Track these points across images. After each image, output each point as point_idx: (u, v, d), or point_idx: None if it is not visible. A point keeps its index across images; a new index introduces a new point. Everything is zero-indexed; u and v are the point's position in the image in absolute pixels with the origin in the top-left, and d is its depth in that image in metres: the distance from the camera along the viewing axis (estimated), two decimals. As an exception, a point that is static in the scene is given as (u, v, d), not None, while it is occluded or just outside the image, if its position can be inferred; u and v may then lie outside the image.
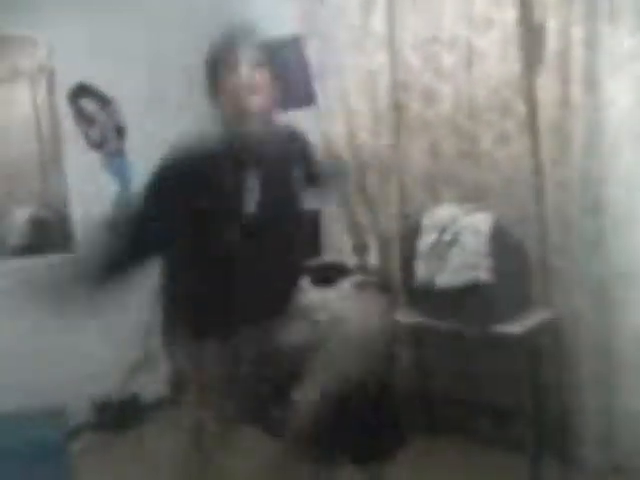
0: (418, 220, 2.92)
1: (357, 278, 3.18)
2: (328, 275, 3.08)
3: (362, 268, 3.31)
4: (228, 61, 2.00)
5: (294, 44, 3.51)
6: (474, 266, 2.70)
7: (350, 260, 3.36)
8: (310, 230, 3.27)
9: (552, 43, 2.74)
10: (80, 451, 3.19)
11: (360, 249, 3.38)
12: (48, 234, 3.58)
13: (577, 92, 2.70)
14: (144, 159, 3.68)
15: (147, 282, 3.78)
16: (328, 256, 3.46)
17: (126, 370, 3.71)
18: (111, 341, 3.65)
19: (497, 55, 2.91)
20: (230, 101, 2.01)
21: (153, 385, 3.82)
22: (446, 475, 2.95)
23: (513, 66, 2.86)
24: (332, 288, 2.99)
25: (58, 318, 3.00)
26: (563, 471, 2.85)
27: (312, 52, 3.45)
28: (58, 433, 2.84)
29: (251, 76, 1.97)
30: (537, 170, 2.89)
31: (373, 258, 3.38)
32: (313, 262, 3.21)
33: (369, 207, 3.40)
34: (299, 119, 3.37)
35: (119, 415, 3.60)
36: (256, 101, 1.97)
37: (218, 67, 2.05)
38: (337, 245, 3.47)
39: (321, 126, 3.45)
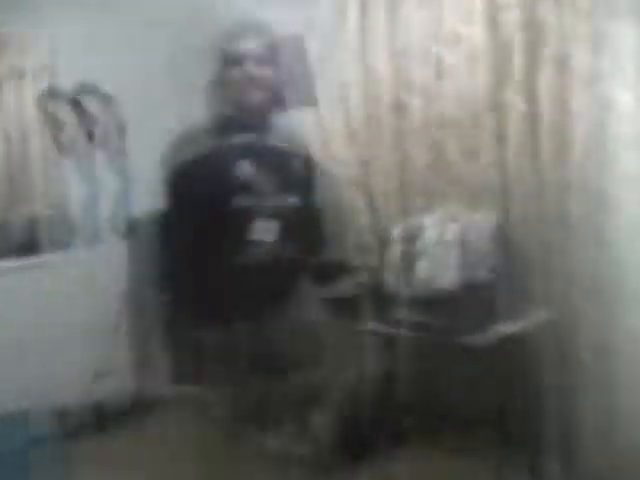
0: (388, 230, 2.95)
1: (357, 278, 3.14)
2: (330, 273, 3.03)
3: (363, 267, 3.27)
4: (234, 55, 2.10)
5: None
6: (474, 265, 2.74)
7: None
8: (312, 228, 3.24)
9: (519, 60, 2.80)
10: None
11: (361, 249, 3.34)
12: (49, 233, 3.56)
13: (577, 92, 2.71)
14: (144, 158, 3.75)
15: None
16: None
17: (90, 376, 3.66)
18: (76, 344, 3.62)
19: (466, 70, 2.97)
20: (232, 93, 2.10)
21: (117, 392, 3.78)
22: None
23: (482, 81, 2.92)
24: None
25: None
26: (562, 471, 2.85)
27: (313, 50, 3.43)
28: (19, 438, 2.79)
29: (254, 71, 2.06)
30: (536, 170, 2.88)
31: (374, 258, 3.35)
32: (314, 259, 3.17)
33: (370, 206, 3.36)
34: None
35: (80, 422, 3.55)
36: (256, 95, 2.04)
37: (224, 59, 2.13)
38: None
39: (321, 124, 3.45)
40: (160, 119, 3.73)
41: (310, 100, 3.33)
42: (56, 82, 3.46)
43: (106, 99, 3.65)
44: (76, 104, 3.64)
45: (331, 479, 2.88)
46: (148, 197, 3.67)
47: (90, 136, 3.72)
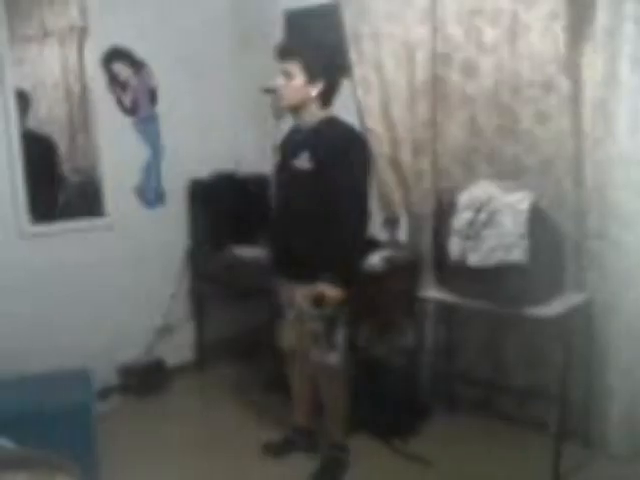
0: (454, 197, 2.88)
1: (387, 252, 3.15)
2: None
3: (392, 243, 3.28)
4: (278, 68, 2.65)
5: (331, 12, 3.43)
6: (509, 246, 2.66)
7: (380, 234, 3.32)
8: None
9: (601, 19, 2.65)
10: (106, 413, 3.23)
11: (391, 224, 3.34)
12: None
13: (624, 70, 2.63)
14: (174, 124, 3.74)
15: (174, 252, 3.88)
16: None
17: (151, 336, 3.75)
18: (136, 308, 3.69)
19: (542, 30, 2.82)
20: (274, 98, 2.78)
21: (177, 351, 3.86)
22: (468, 450, 2.96)
23: (559, 41, 2.78)
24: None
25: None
26: (585, 453, 2.85)
27: (348, 20, 3.37)
28: (84, 394, 2.87)
29: (283, 84, 2.65)
30: (577, 150, 2.82)
31: (403, 233, 3.34)
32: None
33: (402, 182, 3.35)
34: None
35: (144, 379, 3.63)
36: (286, 102, 2.68)
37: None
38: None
39: (356, 96, 3.39)
40: (190, 84, 3.80)
41: (344, 71, 3.27)
42: (91, 44, 3.41)
43: (138, 64, 3.60)
44: (139, 66, 3.62)
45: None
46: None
47: (152, 97, 3.71)
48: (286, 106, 2.70)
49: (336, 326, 2.69)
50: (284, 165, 2.77)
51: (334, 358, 2.71)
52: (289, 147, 2.78)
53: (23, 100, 3.27)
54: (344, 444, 2.88)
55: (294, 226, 2.70)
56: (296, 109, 2.69)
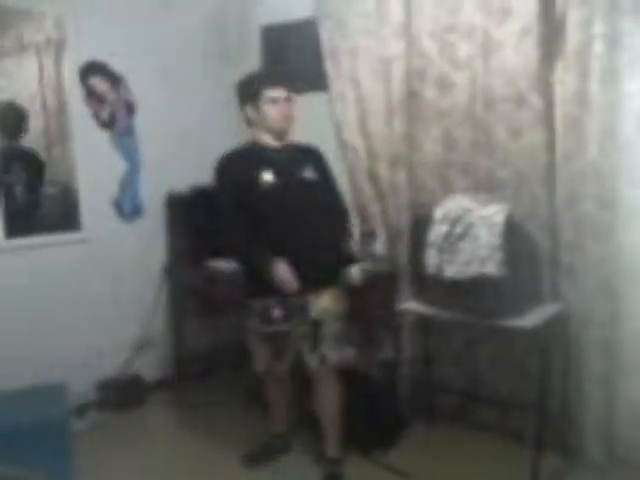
0: (430, 210, 2.91)
1: (365, 265, 3.17)
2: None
3: (370, 256, 3.30)
4: (271, 95, 2.73)
5: (308, 27, 3.47)
6: (485, 259, 2.70)
7: (358, 248, 3.34)
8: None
9: (571, 37, 2.72)
10: (83, 429, 3.19)
11: (368, 237, 3.37)
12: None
13: (594, 87, 2.69)
14: (151, 137, 3.73)
15: (152, 266, 3.85)
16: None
17: (128, 351, 3.72)
18: (114, 322, 3.66)
19: (514, 46, 2.89)
20: (266, 122, 2.77)
21: (155, 366, 3.83)
22: (447, 462, 2.98)
23: (530, 58, 2.84)
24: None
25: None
26: (563, 463, 2.88)
27: (325, 35, 3.41)
28: (60, 410, 2.83)
29: (287, 108, 2.76)
30: (550, 164, 2.88)
31: (381, 247, 3.37)
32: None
33: (379, 195, 3.38)
34: (312, 103, 3.40)
35: (121, 395, 3.60)
36: (287, 125, 2.79)
37: (260, 96, 2.74)
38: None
39: (334, 111, 3.43)
40: (168, 97, 3.80)
41: (319, 84, 3.32)
42: (68, 57, 3.41)
43: (115, 78, 3.60)
44: (117, 80, 3.62)
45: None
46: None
47: (129, 111, 3.70)
48: (283, 131, 2.80)
49: (348, 323, 2.83)
50: (255, 181, 2.75)
51: (351, 353, 2.86)
52: (260, 164, 2.77)
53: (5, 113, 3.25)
54: (340, 458, 2.91)
55: (311, 235, 2.76)
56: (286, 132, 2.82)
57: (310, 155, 2.87)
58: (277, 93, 2.73)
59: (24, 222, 3.37)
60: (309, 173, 2.81)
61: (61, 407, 2.85)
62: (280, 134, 2.79)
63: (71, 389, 2.99)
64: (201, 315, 3.88)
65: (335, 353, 2.78)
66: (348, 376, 2.86)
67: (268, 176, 2.73)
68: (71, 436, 2.77)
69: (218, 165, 2.84)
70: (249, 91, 2.78)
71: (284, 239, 2.72)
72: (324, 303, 2.75)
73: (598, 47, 2.66)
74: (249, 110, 2.78)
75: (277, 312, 2.75)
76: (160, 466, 3.07)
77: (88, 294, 3.55)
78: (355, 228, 3.22)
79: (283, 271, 2.65)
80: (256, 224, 2.73)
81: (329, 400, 2.85)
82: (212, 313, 3.80)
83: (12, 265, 3.25)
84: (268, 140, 2.80)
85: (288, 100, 2.76)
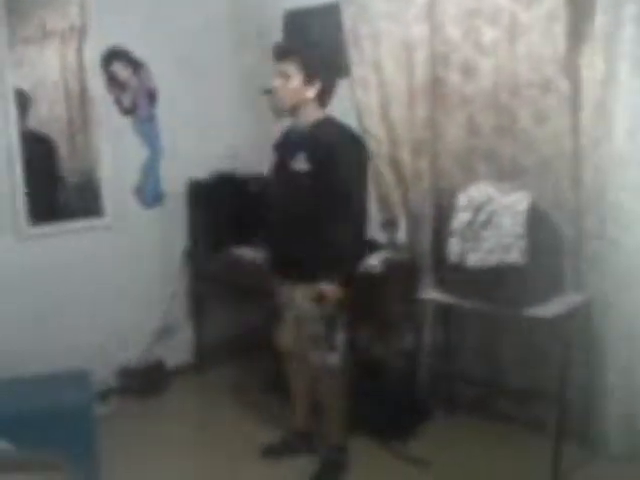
0: (452, 198, 2.87)
1: (386, 254, 3.15)
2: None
3: (391, 244, 3.27)
4: (275, 69, 2.66)
5: (331, 12, 3.42)
6: (508, 247, 2.65)
7: (379, 236, 3.32)
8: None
9: (600, 20, 2.64)
10: (106, 415, 3.23)
11: (390, 225, 3.33)
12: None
13: (623, 71, 2.62)
14: (172, 124, 3.73)
15: (173, 253, 3.88)
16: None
17: (150, 337, 3.75)
18: (135, 309, 3.69)
19: (541, 30, 2.82)
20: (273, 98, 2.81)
21: (176, 352, 3.86)
22: (467, 452, 2.96)
23: (558, 42, 2.77)
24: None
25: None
26: (584, 454, 2.85)
27: (348, 20, 3.36)
28: (83, 396, 2.86)
29: (280, 85, 2.65)
30: (576, 151, 2.81)
31: (402, 235, 3.34)
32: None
33: (401, 182, 3.34)
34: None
35: (143, 380, 3.63)
36: (286, 102, 2.68)
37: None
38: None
39: (355, 96, 3.39)
40: (189, 85, 3.78)
41: (341, 71, 3.27)
42: (90, 44, 3.41)
43: (137, 65, 3.59)
44: (138, 66, 3.61)
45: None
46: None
47: (151, 97, 3.70)
48: (283, 107, 2.70)
49: (336, 327, 2.70)
50: (281, 166, 2.77)
51: (334, 359, 2.71)
52: (285, 148, 2.78)
53: (23, 100, 3.26)
54: (343, 446, 2.88)
55: (293, 226, 2.70)
56: (294, 110, 2.69)
57: (314, 142, 2.64)
58: (279, 67, 2.65)
59: (46, 209, 3.39)
60: (298, 162, 2.64)
61: (84, 393, 2.88)
62: (290, 113, 2.71)
63: (93, 375, 3.03)
64: (223, 301, 3.89)
65: (315, 356, 2.73)
66: (367, 366, 2.85)
67: (270, 165, 2.77)
68: (94, 422, 2.80)
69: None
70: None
71: (276, 227, 2.79)
72: (299, 300, 2.70)
73: (628, 30, 2.57)
74: None
75: (280, 296, 2.85)
76: (181, 452, 3.10)
77: (110, 280, 3.58)
78: (370, 222, 3.11)
79: None
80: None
81: (326, 394, 2.82)
82: (236, 300, 3.81)
83: (35, 251, 3.28)
84: (293, 120, 2.75)
85: (283, 75, 2.63)
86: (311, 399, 2.95)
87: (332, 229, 2.57)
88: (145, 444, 3.12)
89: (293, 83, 2.62)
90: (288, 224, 2.71)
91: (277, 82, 2.65)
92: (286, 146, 2.78)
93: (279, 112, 2.94)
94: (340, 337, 2.71)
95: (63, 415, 2.72)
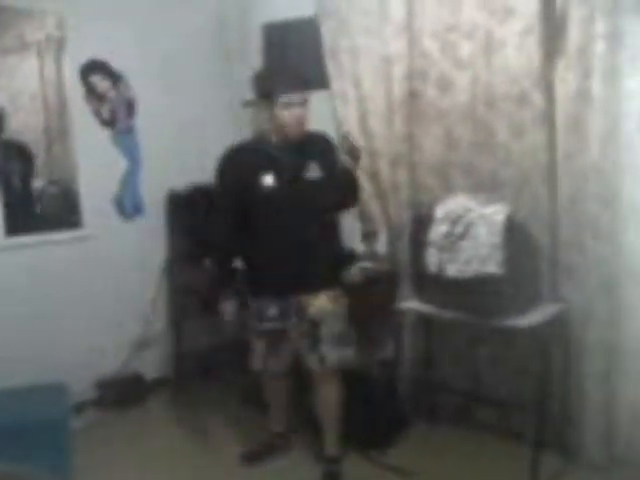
0: (430, 209, 2.91)
1: (365, 264, 3.17)
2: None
3: (371, 255, 3.30)
4: (285, 101, 2.63)
5: (309, 26, 3.46)
6: (485, 258, 2.69)
7: (359, 247, 3.34)
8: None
9: (573, 36, 2.71)
10: (83, 428, 3.19)
11: (369, 236, 3.36)
12: (55, 209, 3.53)
13: (595, 86, 2.68)
14: (151, 136, 3.73)
15: (152, 264, 3.85)
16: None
17: (128, 349, 3.71)
18: (114, 321, 3.66)
19: (516, 45, 2.88)
20: (281, 127, 2.67)
21: (154, 364, 3.83)
22: (448, 461, 2.97)
23: (532, 57, 2.83)
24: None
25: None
26: (563, 463, 2.88)
27: (327, 34, 3.40)
28: (60, 409, 2.83)
29: (302, 112, 2.66)
30: (552, 163, 2.87)
31: (382, 246, 3.37)
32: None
33: (380, 194, 3.38)
34: (313, 101, 3.38)
35: (121, 393, 3.59)
36: (301, 128, 2.69)
37: (275, 98, 2.63)
38: (346, 232, 3.45)
39: (335, 110, 3.42)
40: (169, 96, 3.79)
41: (322, 83, 3.31)
42: (69, 55, 3.41)
43: (116, 77, 3.59)
44: (117, 78, 3.61)
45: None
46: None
47: (130, 109, 3.70)
48: (300, 134, 2.69)
49: (351, 324, 2.82)
50: (255, 184, 2.70)
51: (350, 354, 2.81)
52: (271, 164, 2.71)
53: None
54: (339, 457, 2.91)
55: (311, 236, 2.72)
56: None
57: (317, 147, 2.75)
58: (292, 98, 2.62)
59: (23, 220, 3.37)
60: (313, 172, 2.70)
61: (61, 406, 2.86)
62: (292, 135, 2.70)
63: (71, 387, 3.00)
64: (201, 314, 3.87)
65: (335, 353, 2.77)
66: (347, 376, 2.85)
67: (269, 179, 2.68)
68: (71, 434, 2.78)
69: (220, 164, 2.81)
70: (264, 89, 2.67)
71: (280, 242, 2.71)
72: (321, 303, 2.73)
73: (599, 46, 2.65)
74: (262, 105, 2.69)
75: (272, 310, 2.76)
76: (159, 464, 3.07)
77: (88, 292, 3.55)
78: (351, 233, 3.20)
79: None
80: (254, 227, 2.73)
81: (329, 400, 2.85)
82: (212, 312, 3.79)
83: (12, 263, 3.25)
84: (275, 137, 2.71)
85: (303, 104, 2.65)
86: (288, 404, 3.05)
87: (338, 226, 2.83)
88: (122, 457, 3.09)
89: (309, 108, 2.69)
90: (304, 236, 2.71)
91: (298, 111, 2.64)
92: (261, 164, 2.71)
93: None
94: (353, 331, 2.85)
95: (39, 428, 2.69)
